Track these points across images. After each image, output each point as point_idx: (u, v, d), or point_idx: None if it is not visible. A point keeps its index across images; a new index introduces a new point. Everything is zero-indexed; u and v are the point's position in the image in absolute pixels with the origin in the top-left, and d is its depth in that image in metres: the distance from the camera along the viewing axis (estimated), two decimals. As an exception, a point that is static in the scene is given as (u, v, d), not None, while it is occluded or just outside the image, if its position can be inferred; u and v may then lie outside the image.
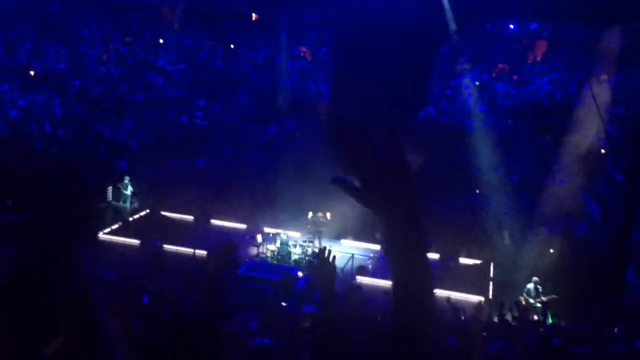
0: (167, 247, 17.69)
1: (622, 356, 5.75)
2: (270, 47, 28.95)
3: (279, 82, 26.11)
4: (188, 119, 24.71)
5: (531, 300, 15.52)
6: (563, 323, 12.11)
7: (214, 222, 20.87)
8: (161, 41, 29.81)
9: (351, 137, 1.94)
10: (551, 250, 18.06)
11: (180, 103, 25.70)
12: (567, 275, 16.36)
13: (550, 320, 14.46)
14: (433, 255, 19.38)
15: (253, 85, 26.91)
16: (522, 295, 15.84)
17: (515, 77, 27.10)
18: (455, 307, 13.41)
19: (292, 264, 17.90)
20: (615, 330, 10.51)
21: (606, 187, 19.56)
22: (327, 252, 3.59)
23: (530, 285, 15.79)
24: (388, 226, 1.93)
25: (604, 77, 21.18)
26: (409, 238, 1.94)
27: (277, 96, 25.63)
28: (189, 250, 17.59)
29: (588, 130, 19.76)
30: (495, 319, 13.54)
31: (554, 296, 15.60)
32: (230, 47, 30.18)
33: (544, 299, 15.53)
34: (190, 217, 20.90)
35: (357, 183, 1.99)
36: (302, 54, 29.57)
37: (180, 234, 18.96)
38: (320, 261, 3.52)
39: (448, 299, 14.74)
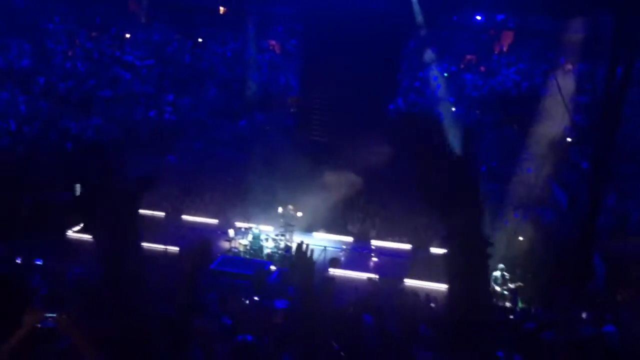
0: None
1: (589, 341, 5.90)
2: (238, 40, 28.80)
3: (248, 76, 26.00)
4: (157, 114, 24.48)
5: (498, 288, 15.75)
6: (532, 309, 12.33)
7: (185, 217, 20.75)
8: (128, 36, 29.43)
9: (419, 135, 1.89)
10: (520, 238, 18.34)
11: (149, 98, 25.44)
12: (535, 262, 16.65)
13: (520, 306, 14.71)
14: (405, 246, 19.59)
15: (222, 80, 26.78)
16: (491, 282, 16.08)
17: (482, 68, 27.41)
18: (428, 297, 13.56)
19: (265, 258, 17.91)
20: (583, 315, 10.76)
21: (572, 176, 19.93)
22: (305, 246, 3.59)
23: (497, 273, 16.02)
24: (451, 224, 1.91)
25: (569, 67, 21.53)
26: (472, 238, 1.94)
27: (246, 90, 25.52)
28: (161, 247, 17.45)
29: (554, 119, 20.06)
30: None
31: (520, 284, 15.86)
32: (199, 41, 29.95)
33: (510, 286, 15.78)
34: (160, 213, 20.71)
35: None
36: (271, 47, 29.47)
37: (151, 230, 18.77)
38: (299, 256, 3.52)
39: (416, 292, 14.87)
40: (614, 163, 17.64)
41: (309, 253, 3.56)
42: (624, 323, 9.72)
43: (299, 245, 3.63)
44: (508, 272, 16.10)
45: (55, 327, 3.60)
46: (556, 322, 9.35)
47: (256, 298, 11.43)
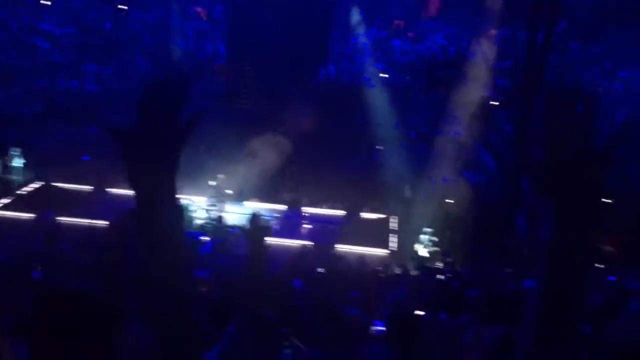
0: (62, 219, 16.95)
1: (512, 296, 6.08)
2: (163, 7, 27.88)
3: (175, 44, 25.29)
4: (79, 85, 23.56)
5: (426, 250, 16.17)
6: (459, 269, 12.74)
7: (112, 190, 20.19)
8: (48, 3, 28.00)
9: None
10: (449, 201, 18.81)
11: (70, 68, 24.43)
12: (462, 223, 17.13)
13: (446, 267, 15.12)
14: (337, 212, 19.76)
15: (147, 48, 25.95)
16: (418, 245, 16.49)
17: (410, 34, 27.57)
18: (360, 261, 13.75)
19: (197, 229, 17.68)
20: (507, 271, 11.18)
21: (497, 138, 20.51)
22: (258, 218, 3.58)
23: (424, 236, 16.41)
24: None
25: (493, 32, 21.95)
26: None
27: (172, 58, 24.84)
28: (86, 221, 16.95)
29: (479, 83, 20.51)
30: (398, 271, 14.01)
31: (447, 245, 16.33)
32: (121, 8, 28.81)
33: (436, 248, 16.23)
34: (86, 187, 20.09)
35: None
36: (198, 14, 28.69)
37: (76, 204, 18.21)
38: (252, 227, 3.51)
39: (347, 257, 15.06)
40: (534, 125, 18.22)
41: (262, 224, 3.57)
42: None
43: (253, 216, 3.64)
44: (437, 234, 16.53)
45: None
46: (480, 280, 9.69)
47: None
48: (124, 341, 2.68)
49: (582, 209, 1.57)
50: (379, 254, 16.90)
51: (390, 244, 17.87)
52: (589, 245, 1.65)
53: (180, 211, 1.90)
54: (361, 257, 15.70)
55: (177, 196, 1.88)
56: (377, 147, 21.23)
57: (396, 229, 18.68)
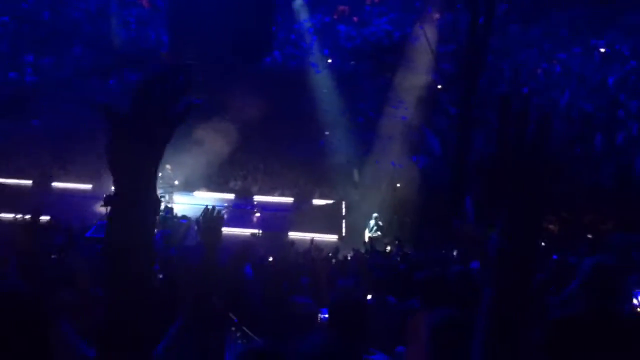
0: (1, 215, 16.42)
1: (458, 277, 6.19)
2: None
3: (116, 32, 24.70)
4: (17, 76, 22.76)
5: (373, 235, 16.34)
6: (408, 252, 12.92)
7: (56, 184, 19.65)
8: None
9: None
10: (397, 185, 19.01)
11: (7, 59, 23.55)
12: (410, 206, 17.35)
13: (394, 251, 15.31)
14: (287, 199, 19.74)
15: (88, 37, 25.24)
16: (367, 229, 16.65)
17: (355, 19, 27.66)
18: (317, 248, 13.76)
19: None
20: (454, 253, 11.40)
21: (443, 121, 20.81)
22: (213, 210, 3.54)
23: (371, 221, 16.57)
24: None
25: (436, 16, 22.23)
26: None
27: (114, 47, 24.27)
28: (27, 217, 16.42)
29: (424, 67, 20.74)
30: (349, 256, 14.11)
31: (395, 230, 16.54)
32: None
33: (379, 234, 16.41)
34: (27, 181, 19.47)
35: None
36: (139, 1, 28.07)
37: (17, 200, 17.62)
38: (207, 219, 3.47)
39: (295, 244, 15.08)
40: (479, 107, 18.57)
41: (216, 216, 3.54)
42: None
43: (206, 209, 3.61)
44: (386, 218, 16.71)
45: None
46: (428, 262, 9.85)
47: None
48: (59, 342, 2.62)
49: (533, 214, 1.64)
50: (330, 239, 16.98)
51: (341, 230, 17.98)
52: (538, 248, 1.73)
53: (157, 203, 1.87)
54: (312, 244, 15.78)
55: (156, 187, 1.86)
56: (325, 132, 21.27)
57: (345, 214, 18.80)
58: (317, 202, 19.59)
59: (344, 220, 18.48)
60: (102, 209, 17.69)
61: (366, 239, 16.18)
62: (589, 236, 12.96)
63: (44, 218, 16.24)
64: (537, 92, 21.78)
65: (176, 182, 18.37)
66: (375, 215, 16.68)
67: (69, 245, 9.60)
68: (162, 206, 17.47)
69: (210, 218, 3.50)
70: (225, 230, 17.35)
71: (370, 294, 6.50)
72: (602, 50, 23.84)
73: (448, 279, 6.36)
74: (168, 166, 18.29)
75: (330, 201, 19.58)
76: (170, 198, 18.06)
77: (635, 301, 4.13)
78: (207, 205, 3.77)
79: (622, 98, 20.66)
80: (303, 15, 24.25)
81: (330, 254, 13.31)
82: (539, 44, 24.61)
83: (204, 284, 3.49)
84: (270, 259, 11.40)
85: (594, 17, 25.23)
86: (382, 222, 16.55)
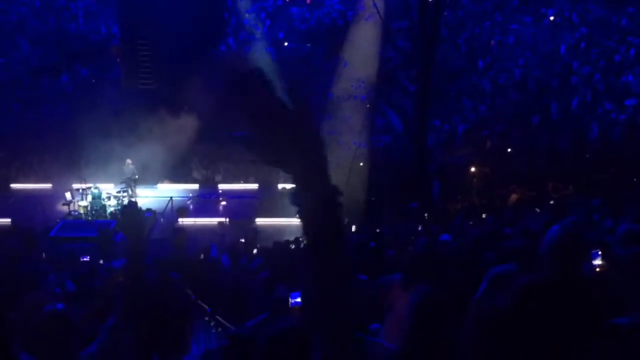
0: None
1: (425, 251, 6.28)
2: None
3: (64, 27, 24.11)
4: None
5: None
6: (376, 230, 12.99)
7: (14, 186, 19.21)
8: None
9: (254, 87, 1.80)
10: (361, 164, 19.08)
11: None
12: (375, 185, 17.45)
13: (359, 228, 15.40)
14: (252, 186, 19.67)
15: (34, 33, 24.56)
16: None
17: (308, 1, 27.51)
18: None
19: (109, 217, 17.17)
20: (419, 228, 11.56)
21: (403, 99, 20.92)
22: (132, 204, 3.38)
23: None
24: (296, 180, 1.90)
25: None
26: (317, 188, 1.92)
27: (64, 42, 23.68)
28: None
29: (379, 46, 20.75)
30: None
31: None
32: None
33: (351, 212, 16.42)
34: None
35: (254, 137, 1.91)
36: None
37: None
38: (127, 215, 3.30)
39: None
40: (436, 83, 18.72)
41: (137, 212, 3.37)
42: (456, 230, 10.58)
43: (125, 206, 3.44)
44: (351, 198, 16.75)
45: None
46: (395, 238, 9.96)
47: (101, 261, 10.93)
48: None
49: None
50: (297, 223, 16.99)
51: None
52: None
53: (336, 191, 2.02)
54: (279, 229, 15.84)
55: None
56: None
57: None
58: (282, 186, 19.56)
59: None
60: (64, 208, 17.42)
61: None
62: (551, 202, 13.24)
63: (4, 221, 15.97)
64: (492, 63, 22.06)
65: (137, 176, 18.13)
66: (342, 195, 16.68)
67: (32, 247, 9.42)
68: (126, 201, 17.25)
69: (130, 213, 3.34)
70: (192, 221, 17.35)
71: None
72: (552, 18, 24.21)
73: (417, 253, 6.45)
74: (128, 160, 18.05)
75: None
76: (133, 192, 17.84)
77: (594, 262, 4.25)
78: (126, 202, 3.64)
79: (574, 65, 21.06)
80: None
81: (298, 238, 13.34)
82: (491, 16, 24.86)
83: (132, 283, 3.36)
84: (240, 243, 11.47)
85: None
86: (349, 201, 16.56)
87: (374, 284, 6.35)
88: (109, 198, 17.44)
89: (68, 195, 17.54)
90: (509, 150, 17.70)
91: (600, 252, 4.35)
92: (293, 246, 11.50)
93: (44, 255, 10.32)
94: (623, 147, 16.55)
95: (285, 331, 2.68)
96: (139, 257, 3.30)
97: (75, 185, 17.90)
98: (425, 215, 15.21)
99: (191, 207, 18.44)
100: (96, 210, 17.14)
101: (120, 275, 5.54)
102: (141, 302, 3.29)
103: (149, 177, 19.07)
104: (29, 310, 3.40)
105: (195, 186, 19.74)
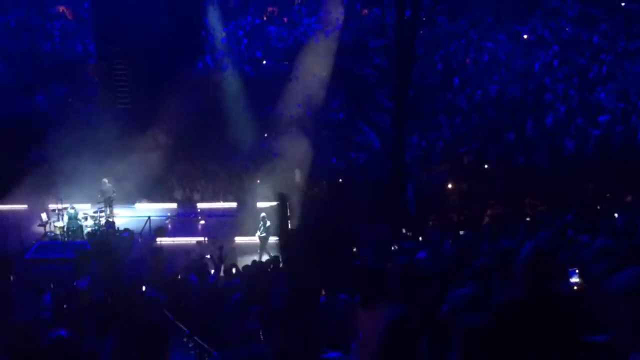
0: None
1: (405, 268, 6.37)
2: (22, 7, 26.25)
3: (40, 46, 23.94)
4: None
5: (261, 235, 16.29)
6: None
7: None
8: None
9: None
10: (340, 180, 19.14)
11: None
12: (354, 203, 17.46)
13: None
14: (231, 204, 19.58)
15: (9, 52, 24.32)
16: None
17: (285, 19, 27.67)
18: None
19: (86, 237, 16.94)
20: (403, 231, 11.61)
21: (380, 116, 21.03)
22: (102, 233, 3.40)
23: (260, 222, 16.41)
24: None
25: (365, 11, 22.49)
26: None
27: (39, 61, 23.48)
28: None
29: (357, 64, 20.94)
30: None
31: None
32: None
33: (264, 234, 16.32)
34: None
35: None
36: (62, 12, 27.26)
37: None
38: (97, 244, 3.32)
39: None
40: (413, 100, 18.88)
41: (106, 240, 3.38)
42: (433, 244, 10.66)
43: (100, 235, 3.45)
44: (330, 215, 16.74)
45: None
46: (375, 255, 10.01)
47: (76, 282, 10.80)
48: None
49: None
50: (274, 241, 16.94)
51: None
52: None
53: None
54: (258, 247, 15.78)
55: None
56: (264, 134, 21.20)
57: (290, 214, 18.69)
58: (261, 204, 19.50)
59: (289, 221, 18.39)
60: (40, 229, 17.19)
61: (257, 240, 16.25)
62: (527, 219, 13.40)
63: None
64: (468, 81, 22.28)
65: (114, 194, 17.95)
66: (262, 215, 16.57)
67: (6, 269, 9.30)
68: (103, 221, 17.08)
69: (101, 242, 3.33)
70: (170, 240, 17.23)
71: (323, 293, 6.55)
72: (525, 36, 24.60)
73: (398, 269, 6.49)
74: (105, 179, 17.89)
75: (275, 203, 19.49)
76: (111, 212, 17.68)
77: (571, 280, 4.31)
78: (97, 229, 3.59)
79: (547, 82, 21.37)
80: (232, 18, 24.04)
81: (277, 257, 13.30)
82: (466, 34, 25.20)
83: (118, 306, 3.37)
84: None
85: (517, 4, 26.09)
86: (270, 221, 16.36)
87: (351, 303, 6.38)
88: (85, 218, 17.24)
89: (44, 216, 17.32)
90: (486, 166, 17.88)
91: (577, 271, 4.41)
92: (271, 266, 11.50)
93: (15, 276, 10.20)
94: (597, 163, 16.81)
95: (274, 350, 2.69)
96: (114, 280, 3.31)
97: (51, 206, 17.68)
98: (403, 230, 15.31)
99: (169, 226, 18.31)
100: (73, 231, 16.91)
101: (87, 295, 5.51)
102: (130, 324, 3.29)
103: (127, 197, 18.91)
104: (19, 331, 3.37)
105: (174, 205, 19.61)
